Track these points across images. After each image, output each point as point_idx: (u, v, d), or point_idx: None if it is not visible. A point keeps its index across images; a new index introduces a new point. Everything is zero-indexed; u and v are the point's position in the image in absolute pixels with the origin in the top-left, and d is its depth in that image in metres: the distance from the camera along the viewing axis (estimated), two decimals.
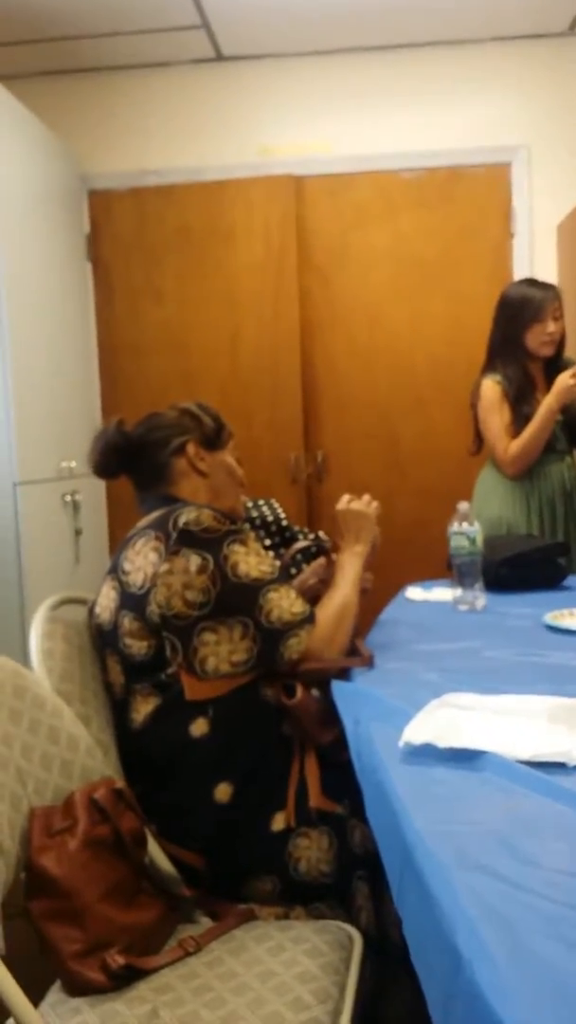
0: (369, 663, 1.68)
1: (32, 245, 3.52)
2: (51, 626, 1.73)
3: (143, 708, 1.64)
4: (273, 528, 2.40)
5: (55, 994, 1.31)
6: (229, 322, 3.98)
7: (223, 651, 1.60)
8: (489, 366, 3.19)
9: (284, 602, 1.65)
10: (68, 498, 3.61)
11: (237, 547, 1.65)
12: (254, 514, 2.41)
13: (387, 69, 3.91)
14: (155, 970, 1.33)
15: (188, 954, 1.38)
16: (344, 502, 2.00)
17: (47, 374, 3.53)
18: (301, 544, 2.23)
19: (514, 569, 2.48)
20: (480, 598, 2.24)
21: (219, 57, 3.97)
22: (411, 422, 3.98)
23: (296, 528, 2.45)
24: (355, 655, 1.73)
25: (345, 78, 3.92)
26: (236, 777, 1.58)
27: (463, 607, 2.23)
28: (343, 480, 4.00)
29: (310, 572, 2.06)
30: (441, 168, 3.91)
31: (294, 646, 1.63)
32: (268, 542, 2.37)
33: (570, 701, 1.26)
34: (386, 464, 4.00)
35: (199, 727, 1.59)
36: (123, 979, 1.30)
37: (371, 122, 3.92)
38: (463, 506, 2.24)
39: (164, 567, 1.61)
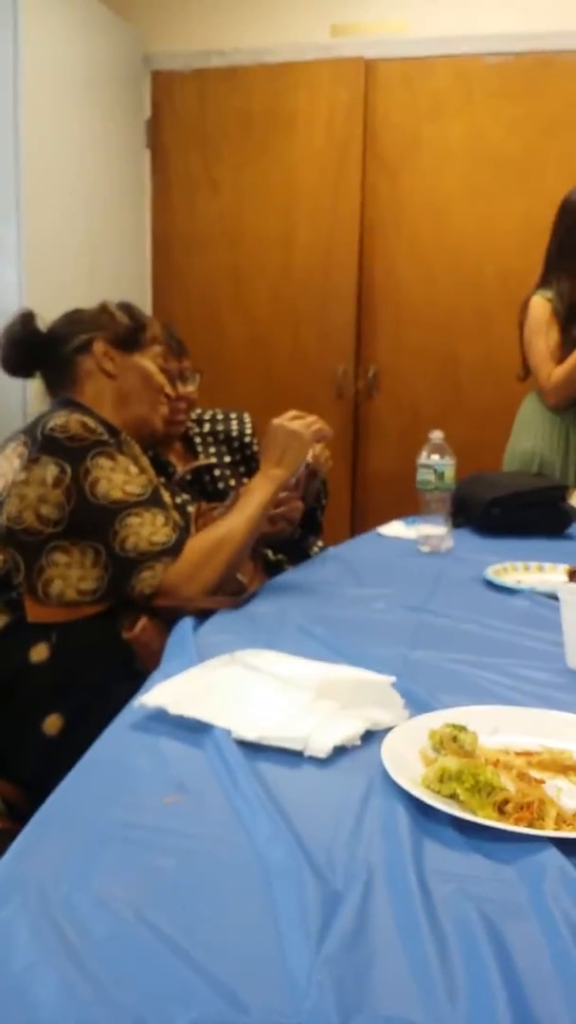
0: (232, 604, 1.49)
1: (90, 129, 3.38)
2: None
3: None
4: (235, 444, 2.21)
5: None
6: (285, 218, 3.72)
7: (73, 576, 1.46)
8: (543, 281, 2.87)
9: (145, 529, 1.48)
10: None
11: (102, 460, 1.49)
12: (220, 427, 2.23)
13: None
14: None
15: None
16: (286, 417, 1.76)
17: (85, 270, 3.39)
18: (196, 464, 2.04)
19: (508, 510, 2.22)
20: (447, 540, 2.01)
21: None
22: (474, 339, 3.65)
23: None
24: (237, 592, 1.56)
25: None
26: (69, 710, 1.45)
27: (425, 548, 2.01)
28: (394, 398, 3.74)
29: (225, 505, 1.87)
30: (530, 53, 3.47)
31: (147, 579, 1.48)
32: (228, 459, 2.19)
33: (359, 676, 1.06)
34: (442, 383, 3.70)
35: (39, 652, 1.47)
36: None
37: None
38: (435, 435, 2.00)
39: (21, 476, 1.48)
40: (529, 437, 2.85)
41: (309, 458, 1.89)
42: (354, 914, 0.67)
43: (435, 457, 1.98)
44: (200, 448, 2.17)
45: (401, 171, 3.62)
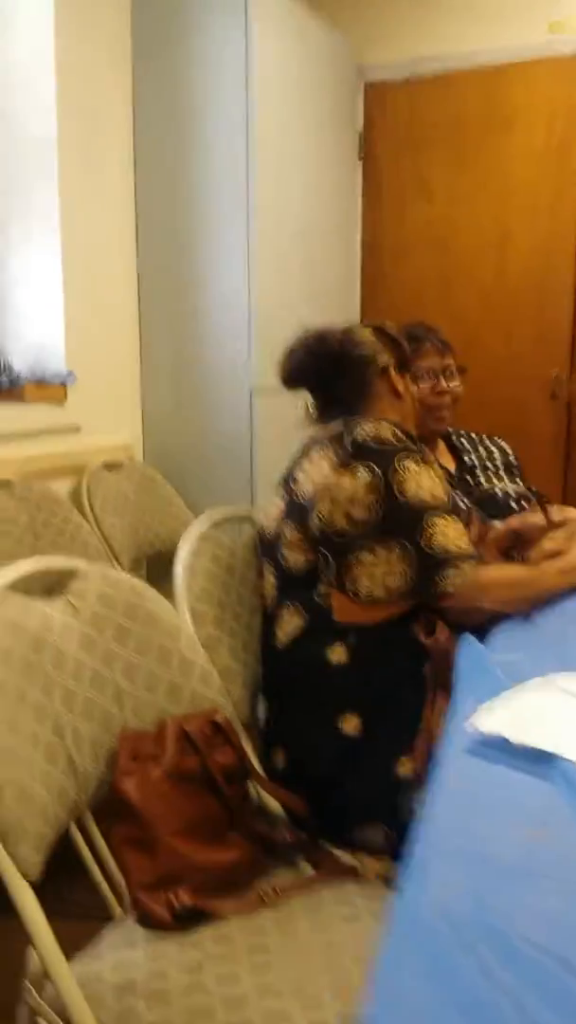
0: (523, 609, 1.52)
1: (310, 141, 3.42)
2: (201, 544, 1.71)
3: (287, 626, 1.61)
4: (498, 457, 2.31)
5: (126, 922, 1.29)
6: (499, 221, 3.64)
7: (378, 573, 1.51)
8: None
9: (450, 531, 1.52)
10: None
11: (410, 464, 1.54)
12: (479, 446, 2.34)
13: None
14: (224, 915, 1.28)
15: (264, 904, 1.31)
16: None
17: (303, 278, 3.44)
18: (515, 488, 2.09)
19: None
20: None
21: None
22: None
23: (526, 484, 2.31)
24: None
25: None
26: (366, 710, 1.51)
27: None
28: None
29: (520, 520, 1.87)
30: None
31: (451, 577, 1.49)
32: (489, 465, 2.28)
33: None
34: None
35: (337, 653, 1.54)
36: (188, 919, 1.25)
37: None
38: None
39: (333, 479, 1.54)
40: None
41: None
42: None
43: None
44: (462, 450, 2.28)
45: None
